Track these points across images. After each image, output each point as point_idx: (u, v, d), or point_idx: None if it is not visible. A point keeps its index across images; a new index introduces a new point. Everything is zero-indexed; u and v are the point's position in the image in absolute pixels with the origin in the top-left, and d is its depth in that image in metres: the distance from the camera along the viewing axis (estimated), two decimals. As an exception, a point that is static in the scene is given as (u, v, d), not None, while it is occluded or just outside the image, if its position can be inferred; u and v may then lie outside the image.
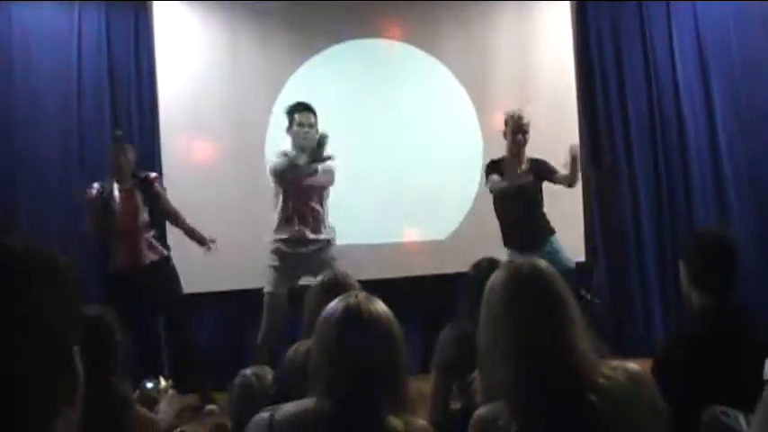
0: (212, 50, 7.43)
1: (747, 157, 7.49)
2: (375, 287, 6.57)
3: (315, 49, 7.47)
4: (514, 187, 6.21)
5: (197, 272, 6.89)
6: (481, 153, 7.48)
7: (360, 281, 6.23)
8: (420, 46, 7.56)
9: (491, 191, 6.33)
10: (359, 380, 2.07)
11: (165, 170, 7.20)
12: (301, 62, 7.47)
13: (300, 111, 6.06)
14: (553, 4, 7.72)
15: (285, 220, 6.11)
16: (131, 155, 6.49)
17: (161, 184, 6.66)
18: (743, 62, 7.48)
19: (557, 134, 7.23)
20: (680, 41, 7.78)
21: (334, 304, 2.19)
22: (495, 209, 6.41)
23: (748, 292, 6.76)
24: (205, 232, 6.74)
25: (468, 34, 7.59)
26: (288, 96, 7.28)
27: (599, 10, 7.93)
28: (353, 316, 2.13)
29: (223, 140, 7.36)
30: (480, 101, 7.55)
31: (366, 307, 2.16)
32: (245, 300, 6.92)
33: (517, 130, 6.32)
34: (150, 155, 7.24)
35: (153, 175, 6.57)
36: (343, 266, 6.48)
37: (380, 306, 2.19)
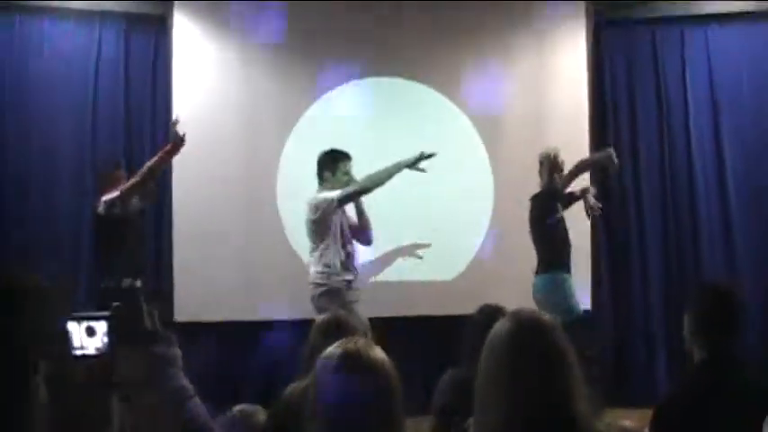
0: (227, 79, 7.59)
1: (756, 201, 7.72)
2: (379, 325, 6.64)
3: (329, 86, 7.61)
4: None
5: (196, 301, 6.93)
6: (492, 194, 7.52)
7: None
8: (435, 87, 7.71)
9: (558, 221, 6.52)
10: (353, 427, 2.08)
11: (174, 197, 7.35)
12: (315, 98, 7.61)
13: (349, 159, 6.28)
14: (568, 47, 7.87)
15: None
16: None
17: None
18: (752, 95, 7.80)
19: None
20: (692, 80, 7.98)
21: (333, 349, 2.21)
22: (546, 236, 6.52)
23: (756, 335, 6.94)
24: (211, 262, 6.78)
25: (483, 78, 7.70)
26: (301, 131, 7.44)
27: (613, 46, 8.13)
28: (351, 363, 2.14)
29: (234, 170, 7.43)
30: (492, 141, 7.64)
31: (365, 354, 2.16)
32: (243, 331, 7.04)
33: (554, 169, 6.54)
34: (162, 180, 7.30)
35: None
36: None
37: (379, 354, 2.20)
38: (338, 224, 6.18)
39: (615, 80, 8.06)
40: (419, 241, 7.35)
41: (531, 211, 6.63)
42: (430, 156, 6.17)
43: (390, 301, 7.24)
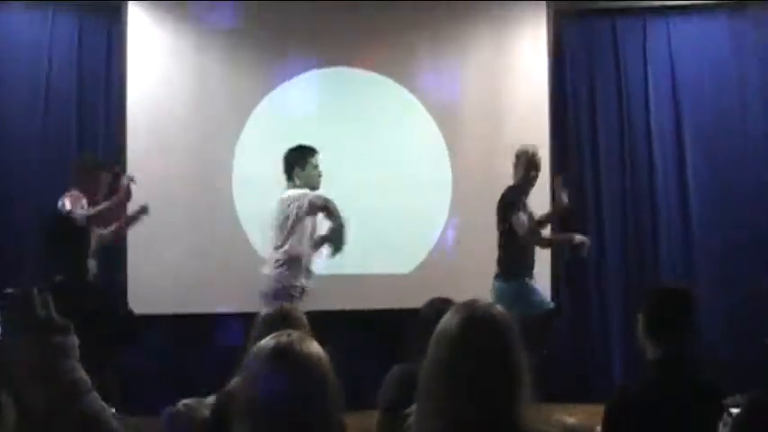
0: (182, 67, 7.53)
1: (717, 197, 7.70)
2: (336, 318, 6.58)
3: (285, 76, 7.54)
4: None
5: (151, 294, 6.85)
6: (450, 184, 7.48)
7: (321, 311, 6.25)
8: (390, 74, 7.64)
9: (517, 229, 6.39)
10: (283, 422, 2.01)
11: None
12: (271, 88, 7.54)
13: (317, 153, 6.27)
14: (528, 37, 7.80)
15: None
16: None
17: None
18: (714, 88, 7.79)
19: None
20: (654, 72, 7.93)
21: (266, 341, 2.14)
22: (508, 242, 6.43)
23: (711, 337, 6.94)
24: (165, 254, 6.71)
25: (438, 63, 7.69)
26: (256, 121, 7.32)
27: (574, 37, 8.05)
28: (282, 355, 2.06)
29: (189, 160, 7.36)
30: (449, 132, 7.58)
31: (298, 347, 2.09)
32: (194, 324, 7.00)
33: (531, 166, 6.52)
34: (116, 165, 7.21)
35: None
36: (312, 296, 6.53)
37: (314, 347, 2.13)
38: (309, 227, 6.19)
39: (575, 71, 7.99)
40: (376, 234, 7.28)
41: (498, 208, 6.56)
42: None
43: (347, 294, 7.21)
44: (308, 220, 6.17)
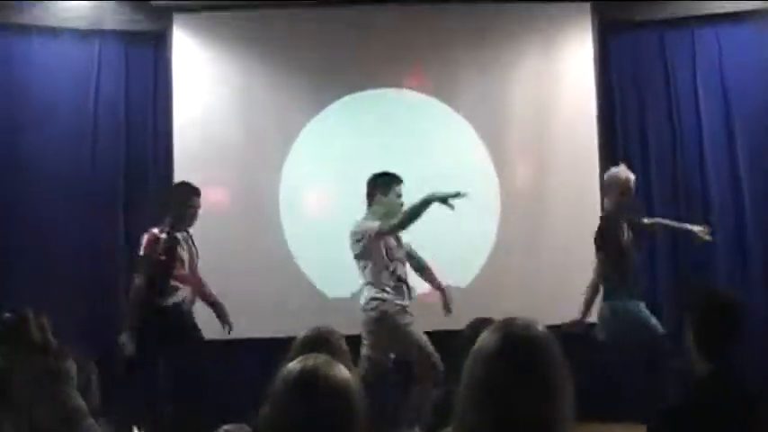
0: (228, 92, 7.61)
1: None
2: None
3: (331, 98, 7.57)
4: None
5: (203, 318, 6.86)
6: (498, 206, 7.39)
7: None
8: (437, 96, 7.62)
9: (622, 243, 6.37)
10: None
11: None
12: (317, 110, 7.56)
13: (402, 182, 6.30)
14: (573, 51, 7.73)
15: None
16: None
17: None
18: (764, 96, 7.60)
19: (576, 187, 7.15)
20: (703, 82, 7.78)
21: (292, 365, 2.10)
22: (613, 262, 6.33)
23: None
24: (212, 277, 6.71)
25: (486, 84, 7.66)
26: (303, 145, 7.37)
27: (620, 50, 7.94)
28: (308, 380, 2.02)
29: (237, 184, 7.42)
30: (497, 150, 7.53)
31: (323, 373, 2.05)
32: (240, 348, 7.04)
33: (626, 191, 6.41)
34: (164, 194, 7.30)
35: None
36: (354, 320, 6.50)
37: (341, 372, 2.08)
38: (383, 249, 6.16)
39: (623, 84, 7.87)
40: (425, 257, 7.23)
41: (597, 233, 6.49)
42: (461, 195, 6.02)
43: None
44: (381, 244, 6.15)
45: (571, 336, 5.64)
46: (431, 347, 6.09)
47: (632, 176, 6.48)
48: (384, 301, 6.08)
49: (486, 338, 2.10)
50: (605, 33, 7.82)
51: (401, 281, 6.21)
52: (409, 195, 7.26)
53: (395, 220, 6.10)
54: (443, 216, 7.27)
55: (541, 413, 1.98)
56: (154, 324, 6.12)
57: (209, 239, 7.05)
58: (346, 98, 7.54)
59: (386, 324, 6.04)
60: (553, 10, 7.67)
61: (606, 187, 6.54)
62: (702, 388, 3.22)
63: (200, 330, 6.34)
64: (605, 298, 6.40)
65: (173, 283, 6.26)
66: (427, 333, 6.64)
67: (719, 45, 7.77)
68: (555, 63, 7.70)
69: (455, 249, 7.34)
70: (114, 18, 7.55)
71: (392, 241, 6.24)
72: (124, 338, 6.08)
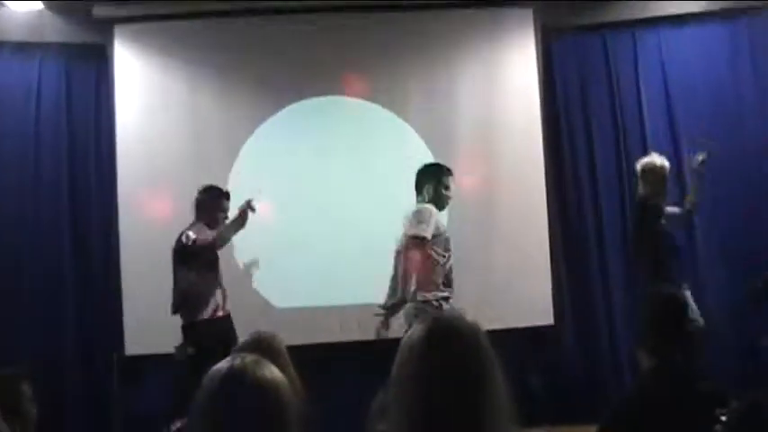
0: (172, 104, 7.55)
1: (713, 205, 7.55)
2: (338, 349, 6.46)
3: (275, 107, 7.54)
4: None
5: (147, 334, 6.77)
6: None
7: (326, 343, 6.12)
8: (382, 103, 7.62)
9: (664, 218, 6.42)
10: None
11: (121, 230, 7.30)
12: (262, 120, 7.52)
13: (452, 175, 6.24)
14: (517, 56, 7.77)
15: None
16: None
17: None
18: (707, 97, 7.75)
19: (523, 189, 7.18)
20: (646, 83, 7.91)
21: (220, 365, 2.05)
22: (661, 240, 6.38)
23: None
24: (160, 295, 6.63)
25: (431, 90, 7.67)
26: (249, 154, 7.27)
27: (564, 53, 8.01)
28: (234, 380, 1.99)
29: (181, 197, 7.25)
30: (443, 156, 7.45)
31: (252, 371, 2.01)
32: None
33: (661, 179, 6.49)
34: (108, 210, 7.33)
35: None
36: (309, 328, 6.44)
37: (270, 371, 2.04)
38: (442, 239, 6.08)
39: (567, 87, 7.97)
40: (372, 263, 7.19)
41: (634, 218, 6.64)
42: None
43: (346, 325, 7.11)
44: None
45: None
46: None
47: (667, 164, 6.54)
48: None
49: (413, 331, 2.08)
50: (548, 37, 7.90)
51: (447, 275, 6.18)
52: (357, 202, 7.30)
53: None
54: (390, 224, 7.33)
55: (468, 401, 1.96)
56: (191, 337, 6.14)
57: (155, 253, 7.02)
58: (291, 107, 7.51)
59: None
60: (496, 15, 7.74)
61: (641, 175, 6.56)
62: (645, 383, 3.24)
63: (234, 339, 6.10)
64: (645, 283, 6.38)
65: (205, 291, 6.28)
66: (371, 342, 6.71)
67: (661, 47, 7.91)
68: (499, 67, 7.74)
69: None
70: (54, 30, 7.46)
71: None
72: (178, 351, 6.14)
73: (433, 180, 6.14)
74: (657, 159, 6.55)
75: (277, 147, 7.36)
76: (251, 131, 7.48)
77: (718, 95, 7.76)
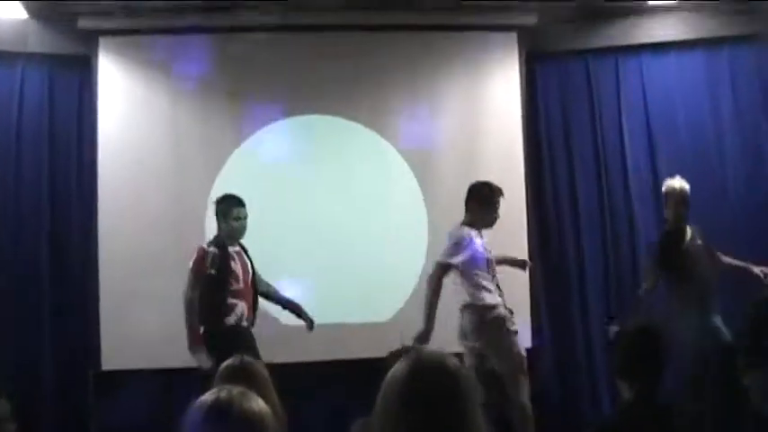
0: (154, 118, 7.54)
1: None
2: (313, 369, 6.45)
3: (259, 124, 7.53)
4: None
5: (124, 349, 6.76)
6: (426, 232, 7.40)
7: (299, 362, 6.09)
8: (365, 123, 7.64)
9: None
10: None
11: (101, 244, 7.25)
12: (245, 137, 7.53)
13: (503, 196, 6.31)
14: (500, 80, 7.82)
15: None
16: None
17: None
18: (687, 123, 7.85)
19: (503, 213, 7.19)
20: (627, 109, 7.99)
21: (204, 397, 2.06)
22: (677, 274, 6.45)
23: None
24: (136, 305, 6.61)
25: (415, 112, 7.69)
26: (230, 171, 7.29)
27: (547, 78, 8.12)
28: (220, 413, 1.99)
29: (162, 213, 7.29)
30: (425, 177, 7.56)
31: (238, 404, 2.02)
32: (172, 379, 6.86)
33: (681, 201, 6.50)
34: (88, 220, 7.31)
35: None
36: (284, 347, 6.42)
37: (256, 404, 2.06)
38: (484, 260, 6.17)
39: (549, 112, 8.06)
40: (353, 282, 7.21)
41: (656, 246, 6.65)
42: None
43: (324, 343, 7.08)
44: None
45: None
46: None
47: (686, 186, 6.53)
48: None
49: (396, 368, 2.10)
50: (532, 62, 7.96)
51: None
52: (338, 221, 7.30)
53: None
54: (371, 243, 7.36)
55: None
56: (215, 345, 6.00)
57: (134, 266, 7.01)
58: (274, 124, 7.51)
59: (500, 328, 6.13)
60: (481, 39, 7.78)
61: (664, 199, 6.61)
62: (625, 413, 3.28)
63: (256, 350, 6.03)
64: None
65: (230, 300, 6.14)
66: (351, 361, 6.71)
67: (643, 73, 8.00)
68: (483, 91, 7.79)
69: (382, 280, 7.37)
70: (39, 40, 7.43)
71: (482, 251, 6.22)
72: (200, 357, 6.00)
73: (482, 199, 6.27)
74: (677, 182, 6.57)
75: (259, 163, 7.37)
76: (233, 147, 7.47)
77: (697, 123, 7.86)
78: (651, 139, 7.91)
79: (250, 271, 6.32)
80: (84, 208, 7.37)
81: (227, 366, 3.33)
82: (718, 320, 6.40)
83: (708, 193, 7.51)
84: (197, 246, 6.24)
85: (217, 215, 6.34)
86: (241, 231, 6.30)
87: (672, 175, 6.78)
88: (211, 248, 6.18)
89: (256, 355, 5.82)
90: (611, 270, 7.83)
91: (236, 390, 2.10)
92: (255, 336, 6.20)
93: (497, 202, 6.24)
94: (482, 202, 6.22)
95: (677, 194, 6.52)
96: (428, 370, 2.07)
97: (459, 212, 7.38)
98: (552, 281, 7.84)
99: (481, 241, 6.20)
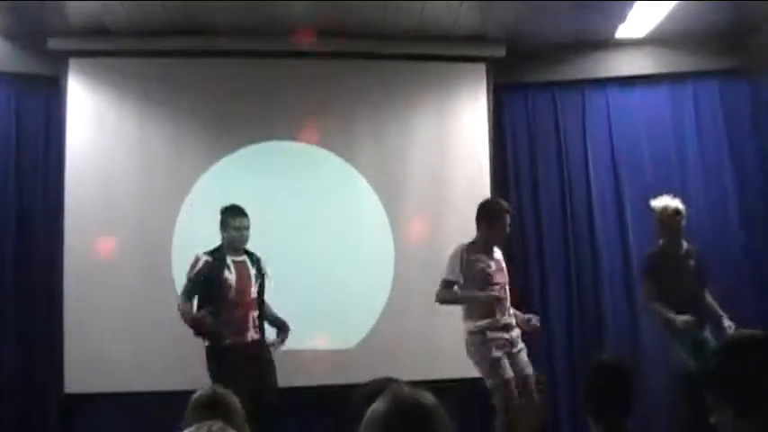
0: (123, 141, 7.51)
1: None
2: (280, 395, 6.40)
3: (227, 149, 7.55)
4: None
5: (88, 372, 6.75)
6: (392, 260, 7.44)
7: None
8: (334, 150, 7.68)
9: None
10: None
11: (66, 264, 7.20)
12: (213, 161, 7.54)
13: (509, 213, 6.38)
14: (469, 110, 7.90)
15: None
16: None
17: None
18: (652, 156, 7.99)
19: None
20: (593, 141, 8.13)
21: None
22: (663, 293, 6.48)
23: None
24: (104, 333, 6.59)
25: (383, 140, 7.76)
26: (197, 196, 7.29)
27: (514, 109, 8.25)
28: None
29: (128, 234, 7.25)
30: (392, 205, 7.60)
31: None
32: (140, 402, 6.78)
33: (665, 220, 6.58)
34: (54, 240, 7.26)
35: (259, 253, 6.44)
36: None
37: None
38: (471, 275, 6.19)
39: (516, 140, 8.19)
40: (319, 309, 7.21)
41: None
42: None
43: (290, 369, 7.05)
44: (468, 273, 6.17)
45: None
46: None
47: (671, 205, 6.57)
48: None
49: (376, 405, 2.14)
50: (499, 93, 8.08)
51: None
52: (305, 248, 7.31)
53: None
54: (336, 273, 7.36)
55: None
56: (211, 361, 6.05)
57: (99, 289, 6.99)
58: (242, 150, 7.53)
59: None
60: (449, 69, 7.87)
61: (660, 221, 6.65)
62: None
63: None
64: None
65: (227, 314, 6.11)
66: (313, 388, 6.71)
67: (609, 106, 8.14)
68: (451, 120, 7.87)
69: (347, 308, 7.40)
70: (6, 59, 7.41)
71: (484, 268, 6.24)
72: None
73: (490, 217, 6.28)
74: (667, 202, 6.61)
75: (227, 189, 7.31)
76: (202, 171, 7.47)
77: (662, 156, 8.00)
78: (616, 170, 8.04)
79: (254, 281, 6.30)
80: (51, 228, 7.31)
81: (199, 397, 3.33)
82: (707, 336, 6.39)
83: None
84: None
85: (220, 225, 6.35)
86: (241, 241, 6.31)
87: (646, 202, 6.87)
88: (204, 256, 6.19)
89: (244, 380, 5.67)
90: (575, 301, 7.92)
91: (216, 426, 2.13)
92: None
93: (505, 219, 6.28)
94: (490, 219, 6.26)
95: (657, 214, 6.59)
96: (406, 406, 2.11)
97: (427, 242, 7.48)
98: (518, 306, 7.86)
99: (488, 258, 6.23)
